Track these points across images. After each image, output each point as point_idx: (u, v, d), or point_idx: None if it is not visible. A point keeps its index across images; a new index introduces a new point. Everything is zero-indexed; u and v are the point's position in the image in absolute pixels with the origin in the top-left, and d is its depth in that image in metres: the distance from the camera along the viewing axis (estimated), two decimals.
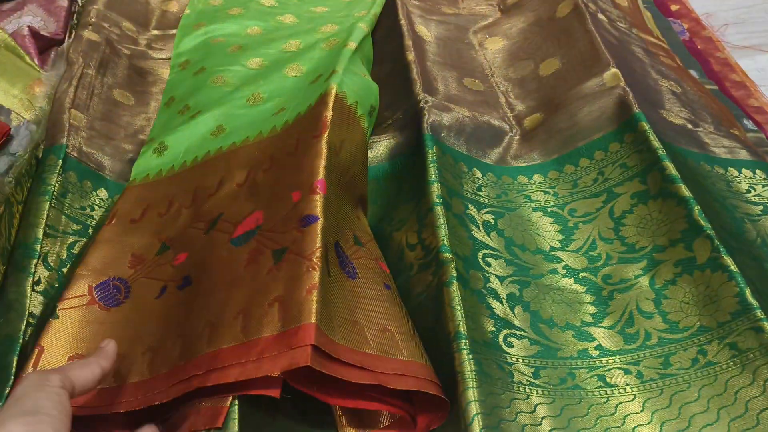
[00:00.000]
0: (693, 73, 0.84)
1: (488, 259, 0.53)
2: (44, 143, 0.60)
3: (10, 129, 0.59)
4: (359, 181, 0.57)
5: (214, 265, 0.48)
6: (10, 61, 0.68)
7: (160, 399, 0.41)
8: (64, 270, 0.52)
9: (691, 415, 0.43)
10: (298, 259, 0.43)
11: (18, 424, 0.30)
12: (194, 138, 0.63)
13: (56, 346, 0.45)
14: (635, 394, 0.45)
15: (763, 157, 0.66)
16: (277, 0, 0.88)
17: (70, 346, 0.46)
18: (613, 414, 0.44)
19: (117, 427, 0.42)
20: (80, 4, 0.83)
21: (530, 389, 0.45)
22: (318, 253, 0.43)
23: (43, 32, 0.77)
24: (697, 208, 0.51)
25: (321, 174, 0.48)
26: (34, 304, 0.48)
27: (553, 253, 0.55)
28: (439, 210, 0.53)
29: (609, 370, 0.47)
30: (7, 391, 0.43)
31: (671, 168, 0.54)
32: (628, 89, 0.62)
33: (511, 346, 0.48)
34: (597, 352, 0.48)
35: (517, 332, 0.49)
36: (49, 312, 0.48)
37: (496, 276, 0.52)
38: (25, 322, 0.47)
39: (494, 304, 0.50)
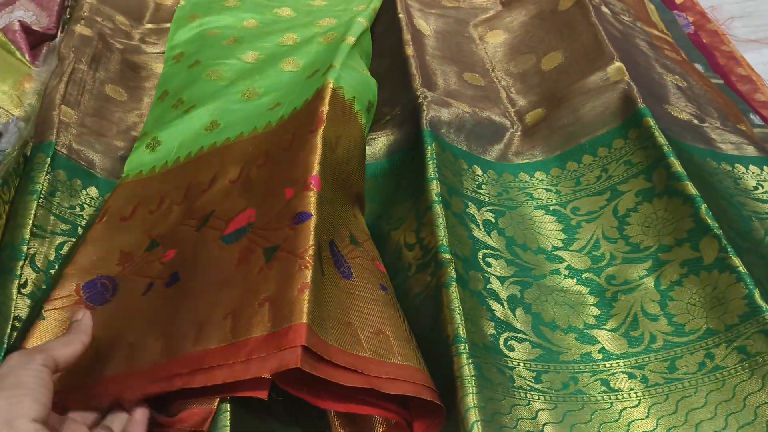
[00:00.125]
0: (698, 67, 0.83)
1: (488, 260, 0.52)
2: (33, 140, 0.58)
3: None
4: (356, 179, 0.55)
5: (204, 262, 0.47)
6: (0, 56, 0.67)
7: (134, 395, 0.40)
8: (52, 271, 0.50)
9: (698, 422, 0.41)
10: (290, 258, 0.42)
11: (0, 398, 0.33)
12: (188, 133, 0.62)
13: None
14: (640, 400, 0.44)
15: None
16: None
17: None
18: (617, 420, 0.43)
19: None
20: None
21: (532, 394, 0.44)
22: (311, 252, 0.41)
23: (35, 27, 0.75)
24: (704, 207, 0.49)
25: (315, 170, 0.47)
26: (21, 307, 0.47)
27: (555, 252, 0.54)
28: (438, 209, 0.51)
29: (613, 374, 0.45)
30: None
31: (677, 165, 0.53)
32: (632, 83, 0.61)
33: (512, 349, 0.46)
34: (600, 356, 0.46)
35: (518, 335, 0.47)
36: (35, 314, 0.46)
37: (497, 277, 0.51)
38: (10, 326, 0.46)
39: (495, 306, 0.49)
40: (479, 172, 0.60)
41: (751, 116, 0.77)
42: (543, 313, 0.49)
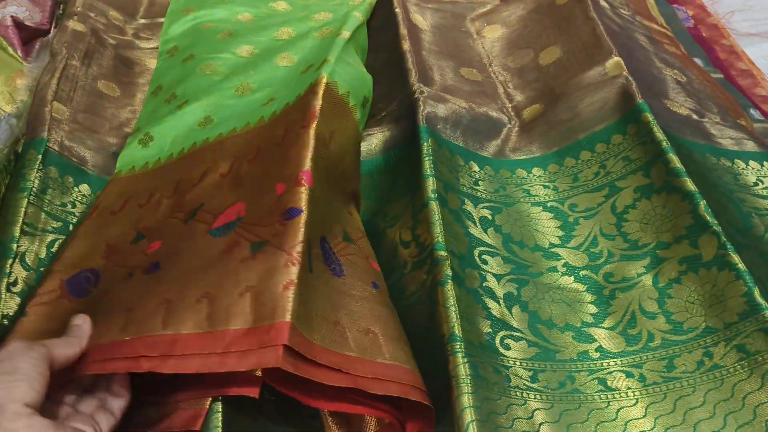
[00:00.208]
0: (698, 61, 0.82)
1: (485, 257, 0.51)
2: (24, 137, 0.58)
3: None
4: (351, 175, 0.54)
5: (188, 252, 0.45)
6: None
7: (96, 370, 0.38)
8: (43, 269, 0.50)
9: (696, 422, 0.41)
10: (277, 252, 0.41)
11: None
12: (181, 129, 0.61)
13: None
14: (637, 399, 0.43)
15: None
16: None
17: None
18: (614, 420, 0.42)
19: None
20: None
21: (528, 394, 0.43)
22: (299, 248, 0.40)
23: (27, 23, 0.75)
24: (702, 203, 0.49)
25: (307, 165, 0.46)
26: (10, 305, 0.46)
27: (552, 250, 0.53)
28: (434, 206, 0.51)
29: (610, 372, 0.45)
30: None
31: (676, 161, 0.52)
32: (631, 78, 0.60)
33: (508, 348, 0.46)
34: (598, 354, 0.46)
35: (515, 334, 0.47)
36: (20, 311, 0.46)
37: (493, 274, 0.50)
38: None
39: (491, 304, 0.48)
40: (476, 168, 0.59)
41: (752, 111, 0.76)
42: (540, 311, 0.48)
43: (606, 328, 0.47)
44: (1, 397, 0.32)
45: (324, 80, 0.53)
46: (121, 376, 0.40)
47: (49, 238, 0.52)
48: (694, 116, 0.64)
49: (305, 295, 0.39)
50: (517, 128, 0.64)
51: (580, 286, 0.50)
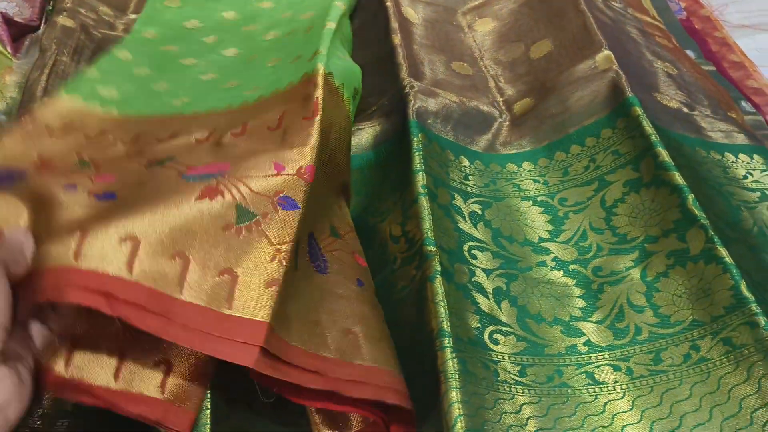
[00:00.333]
0: (690, 53, 0.82)
1: (474, 252, 0.52)
2: None
3: None
4: (344, 168, 0.54)
5: (154, 188, 0.41)
6: None
7: (50, 296, 0.34)
8: None
9: (682, 414, 0.41)
10: (263, 240, 0.39)
11: None
12: (151, 99, 0.58)
13: None
14: (624, 392, 0.43)
15: (761, 142, 0.63)
16: None
17: None
18: (601, 413, 0.42)
19: None
20: None
21: (516, 388, 0.44)
22: (288, 247, 0.39)
23: (17, 18, 0.74)
24: (690, 197, 0.49)
25: (311, 159, 0.44)
26: None
27: (542, 244, 0.53)
28: (424, 201, 0.51)
29: (598, 366, 0.45)
30: None
31: (665, 155, 0.52)
32: (621, 72, 0.60)
33: (496, 343, 0.46)
34: (586, 348, 0.46)
35: (504, 328, 0.47)
36: None
37: (482, 269, 0.50)
38: None
39: (480, 299, 0.48)
40: (466, 163, 0.59)
41: (743, 103, 0.76)
42: (529, 305, 0.49)
43: (594, 322, 0.48)
44: None
45: (322, 71, 0.52)
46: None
47: None
48: (685, 109, 0.64)
49: (287, 294, 0.39)
50: (507, 122, 0.64)
51: (569, 281, 0.50)
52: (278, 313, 0.37)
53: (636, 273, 0.49)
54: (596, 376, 0.45)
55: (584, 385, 0.44)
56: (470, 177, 0.58)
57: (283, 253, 0.39)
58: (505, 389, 0.43)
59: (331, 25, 0.63)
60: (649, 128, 0.54)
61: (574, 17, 0.68)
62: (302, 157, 0.44)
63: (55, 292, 0.33)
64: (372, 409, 0.40)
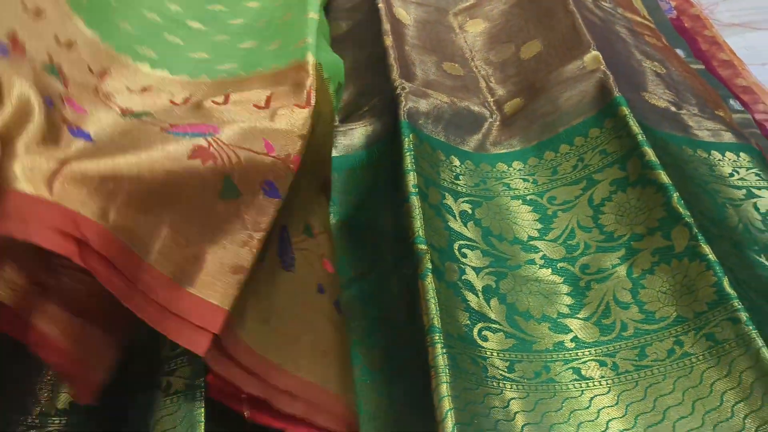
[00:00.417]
0: (680, 52, 0.83)
1: (464, 250, 0.52)
2: None
3: None
4: (327, 163, 0.53)
5: (133, 137, 0.38)
6: None
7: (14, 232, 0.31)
8: None
9: (665, 408, 0.42)
10: (238, 224, 0.38)
11: None
12: (116, 30, 0.54)
13: None
14: (610, 387, 0.44)
15: (748, 140, 0.64)
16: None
17: None
18: (587, 408, 0.43)
19: None
20: None
21: (504, 383, 0.45)
22: (260, 236, 0.38)
23: None
24: (675, 196, 0.50)
25: (301, 148, 0.43)
26: None
27: (530, 243, 0.54)
28: (415, 200, 0.52)
29: (584, 362, 0.46)
30: None
31: (650, 154, 0.53)
32: (608, 72, 0.61)
33: (485, 339, 0.47)
34: (573, 344, 0.47)
35: (493, 326, 0.48)
36: None
37: (472, 267, 0.51)
38: None
39: (469, 296, 0.49)
40: (457, 162, 0.60)
41: (731, 102, 0.77)
42: (517, 303, 0.50)
43: (581, 319, 0.49)
44: None
45: (313, 61, 0.50)
46: None
47: None
48: (672, 108, 0.65)
49: (248, 286, 0.37)
50: (498, 122, 0.65)
51: (557, 278, 0.51)
52: (238, 305, 0.36)
53: (622, 270, 0.50)
54: (583, 372, 0.46)
55: (571, 381, 0.45)
56: (461, 177, 0.59)
57: (255, 241, 0.38)
58: (493, 385, 0.44)
59: (314, 15, 0.61)
60: (635, 128, 0.55)
61: (563, 18, 0.69)
62: (292, 143, 0.42)
63: (21, 227, 0.30)
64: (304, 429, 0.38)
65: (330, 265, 0.48)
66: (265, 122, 0.44)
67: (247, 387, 0.36)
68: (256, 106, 0.47)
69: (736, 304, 0.43)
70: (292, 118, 0.45)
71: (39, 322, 0.35)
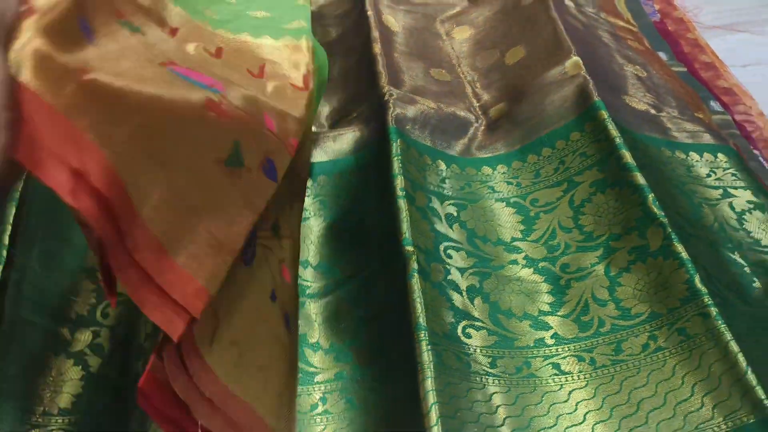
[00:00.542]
0: (662, 55, 0.85)
1: (450, 252, 0.55)
2: None
3: None
4: (306, 164, 0.50)
5: (135, 59, 0.33)
6: None
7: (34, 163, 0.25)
8: None
9: (639, 400, 0.44)
10: (239, 201, 0.34)
11: None
12: None
13: None
14: (588, 381, 0.46)
15: (726, 141, 0.66)
16: None
17: None
18: (566, 401, 0.45)
19: None
20: None
21: (487, 379, 0.47)
22: (253, 219, 0.34)
23: None
24: (651, 196, 0.52)
25: (296, 133, 0.39)
26: None
27: (513, 243, 0.56)
28: (402, 203, 0.54)
29: (564, 358, 0.48)
30: None
31: (627, 156, 0.55)
32: (588, 78, 0.63)
33: (469, 337, 0.49)
34: (553, 341, 0.49)
35: (476, 323, 0.50)
36: None
37: (457, 268, 0.53)
38: None
39: (454, 296, 0.51)
40: (443, 166, 0.62)
41: (712, 103, 0.79)
42: (500, 301, 0.52)
43: (561, 316, 0.51)
44: None
45: (310, 44, 0.47)
46: None
47: None
48: (652, 111, 0.67)
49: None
50: (483, 127, 0.67)
51: (539, 278, 0.53)
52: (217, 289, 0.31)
53: (600, 269, 0.52)
54: (562, 367, 0.48)
55: (551, 375, 0.47)
56: (447, 180, 0.61)
57: (247, 222, 0.34)
58: (476, 380, 0.46)
59: (304, 2, 0.58)
60: (614, 131, 0.57)
61: (545, 24, 0.71)
62: (292, 125, 0.39)
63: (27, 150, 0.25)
64: None
65: (288, 274, 0.44)
66: (263, 95, 0.40)
67: (179, 390, 0.29)
68: (250, 72, 0.43)
69: (707, 299, 0.45)
70: (290, 99, 0.41)
71: None
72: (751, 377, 0.41)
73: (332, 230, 0.58)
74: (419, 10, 0.83)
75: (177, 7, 0.45)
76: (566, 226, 0.56)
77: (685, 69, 0.84)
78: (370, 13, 0.77)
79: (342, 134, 0.65)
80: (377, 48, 0.71)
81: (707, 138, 0.66)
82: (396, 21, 0.80)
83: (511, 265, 0.54)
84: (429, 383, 0.43)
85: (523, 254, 0.55)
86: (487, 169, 0.63)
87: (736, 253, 0.54)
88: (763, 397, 0.40)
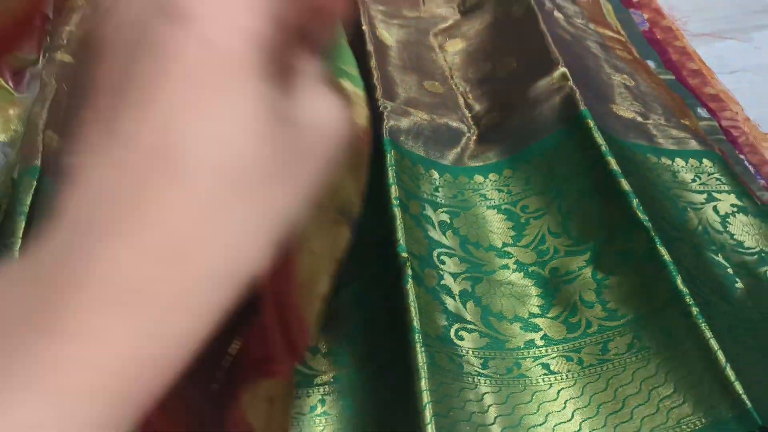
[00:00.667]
0: (650, 63, 0.87)
1: (443, 258, 0.57)
2: (20, 165, 0.63)
3: None
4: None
5: None
6: None
7: None
8: None
9: (625, 397, 0.46)
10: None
11: None
12: None
13: None
14: (576, 380, 0.48)
15: (712, 146, 0.69)
16: None
17: None
18: (555, 400, 0.47)
19: None
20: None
21: (479, 379, 0.49)
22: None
23: (17, 53, 0.79)
24: (635, 201, 0.54)
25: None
26: None
27: (504, 249, 0.58)
28: (396, 211, 0.56)
29: (553, 358, 0.50)
30: None
31: (613, 163, 0.57)
32: (575, 88, 0.65)
33: (462, 339, 0.51)
34: (542, 342, 0.51)
35: (468, 326, 0.52)
36: None
37: (450, 273, 0.55)
38: None
39: (447, 300, 0.53)
40: (436, 176, 0.64)
41: (699, 110, 0.81)
42: (492, 305, 0.54)
43: (550, 318, 0.53)
44: None
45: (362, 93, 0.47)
46: None
47: None
48: (639, 119, 0.70)
49: None
50: (475, 137, 0.69)
51: (529, 281, 0.55)
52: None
53: (588, 272, 0.54)
54: (551, 367, 0.50)
55: (540, 375, 0.49)
56: (440, 189, 0.63)
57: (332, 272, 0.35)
58: (468, 380, 0.48)
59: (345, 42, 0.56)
60: (599, 139, 0.60)
61: (534, 36, 0.74)
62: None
63: None
64: None
65: None
66: None
67: None
68: None
69: (688, 300, 0.47)
70: (359, 152, 0.41)
71: None
72: (730, 373, 0.43)
73: None
74: (413, 24, 0.86)
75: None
76: (555, 232, 0.58)
77: (673, 77, 0.87)
78: (365, 28, 0.79)
79: None
80: (372, 62, 0.74)
81: (693, 144, 0.68)
82: (390, 35, 0.82)
83: (502, 270, 0.57)
84: (423, 384, 0.45)
85: (513, 259, 0.57)
86: (479, 178, 0.65)
87: (719, 255, 0.56)
88: (741, 392, 0.42)
